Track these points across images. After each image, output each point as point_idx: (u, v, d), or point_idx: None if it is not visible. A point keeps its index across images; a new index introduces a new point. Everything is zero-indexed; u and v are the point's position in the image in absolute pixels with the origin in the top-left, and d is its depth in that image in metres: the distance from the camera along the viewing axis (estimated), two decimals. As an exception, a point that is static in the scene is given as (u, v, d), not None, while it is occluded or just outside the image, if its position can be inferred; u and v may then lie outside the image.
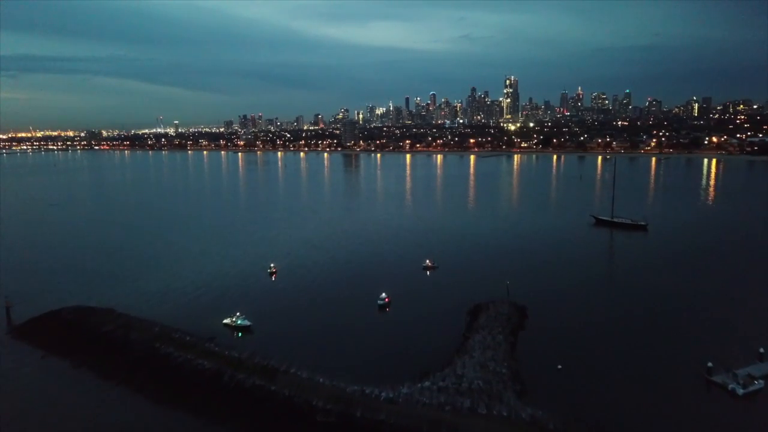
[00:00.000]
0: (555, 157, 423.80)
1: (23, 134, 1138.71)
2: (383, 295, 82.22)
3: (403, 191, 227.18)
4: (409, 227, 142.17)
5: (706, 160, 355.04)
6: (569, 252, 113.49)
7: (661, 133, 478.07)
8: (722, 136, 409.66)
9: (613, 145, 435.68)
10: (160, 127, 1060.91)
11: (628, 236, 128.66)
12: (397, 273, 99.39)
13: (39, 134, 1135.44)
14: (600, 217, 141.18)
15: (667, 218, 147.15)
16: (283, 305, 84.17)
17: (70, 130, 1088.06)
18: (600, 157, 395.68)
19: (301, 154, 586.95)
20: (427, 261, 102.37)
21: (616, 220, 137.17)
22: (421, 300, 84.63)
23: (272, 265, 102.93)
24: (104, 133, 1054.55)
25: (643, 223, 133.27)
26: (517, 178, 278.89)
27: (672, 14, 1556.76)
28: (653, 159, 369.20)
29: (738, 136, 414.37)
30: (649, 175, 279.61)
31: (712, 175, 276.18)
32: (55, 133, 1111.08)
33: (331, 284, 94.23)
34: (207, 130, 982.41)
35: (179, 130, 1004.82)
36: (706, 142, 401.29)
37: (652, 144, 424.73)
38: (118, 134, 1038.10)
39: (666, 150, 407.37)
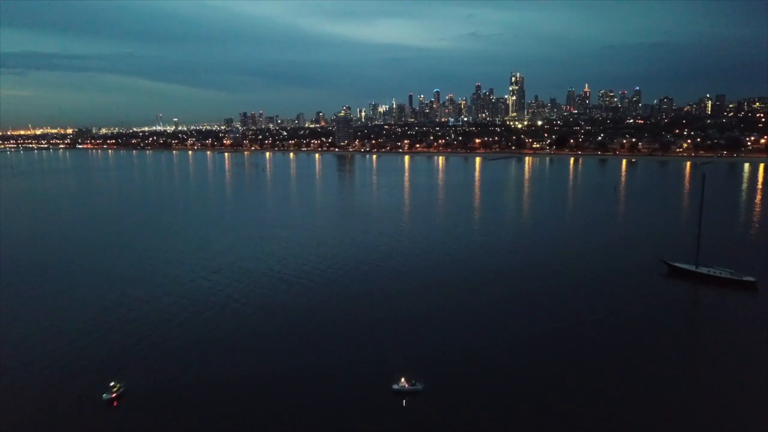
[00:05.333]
0: (572, 160, 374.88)
1: (22, 132, 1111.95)
2: None
3: (391, 211, 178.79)
4: (387, 281, 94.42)
5: (747, 165, 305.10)
6: (645, 342, 66.08)
7: (685, 133, 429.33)
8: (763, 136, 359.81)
9: (639, 147, 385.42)
10: (159, 125, 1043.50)
11: (729, 300, 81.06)
12: (342, 407, 52.35)
13: (38, 132, 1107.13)
14: (676, 265, 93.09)
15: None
16: None
17: (70, 128, 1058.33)
18: (624, 161, 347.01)
19: (291, 155, 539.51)
20: (403, 380, 55.12)
21: (703, 271, 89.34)
22: None
23: (114, 384, 55.94)
24: (103, 131, 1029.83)
25: (750, 279, 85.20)
26: (534, 189, 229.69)
27: (681, 12, 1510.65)
28: (688, 164, 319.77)
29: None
30: (696, 185, 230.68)
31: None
32: (54, 131, 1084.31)
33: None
34: (208, 127, 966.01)
35: (178, 128, 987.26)
36: (749, 144, 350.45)
37: (685, 146, 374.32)
38: (117, 132, 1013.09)
39: (699, 153, 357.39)
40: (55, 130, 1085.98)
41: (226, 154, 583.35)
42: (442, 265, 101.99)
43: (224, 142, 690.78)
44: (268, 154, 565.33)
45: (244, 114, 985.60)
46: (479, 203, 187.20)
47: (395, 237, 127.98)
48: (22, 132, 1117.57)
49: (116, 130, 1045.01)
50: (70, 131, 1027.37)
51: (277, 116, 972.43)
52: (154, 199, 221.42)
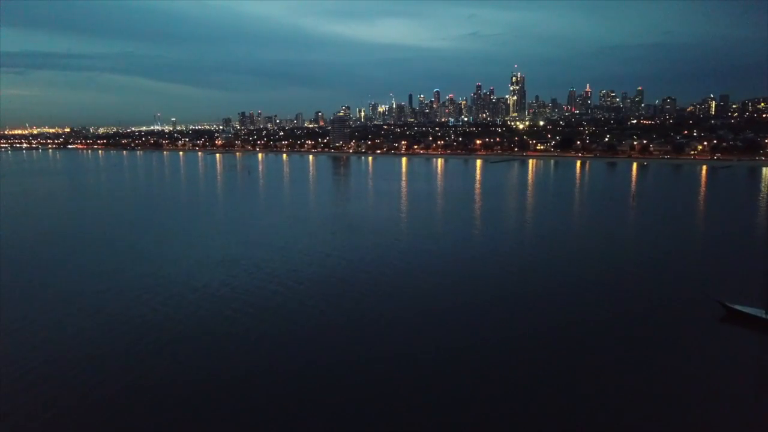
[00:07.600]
0: (578, 163, 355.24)
1: (18, 131, 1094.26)
2: None
3: (386, 223, 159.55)
4: (370, 340, 74.73)
5: (765, 170, 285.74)
6: (705, 418, 46.42)
7: (694, 134, 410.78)
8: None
9: (650, 149, 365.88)
10: (157, 125, 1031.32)
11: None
12: None
13: (35, 131, 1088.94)
14: (737, 308, 73.11)
15: None
16: None
17: (68, 127, 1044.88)
18: (635, 164, 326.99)
19: (284, 156, 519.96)
20: None
21: (776, 318, 69.69)
22: None
23: None
24: (102, 130, 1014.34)
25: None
26: (542, 199, 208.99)
27: (682, 12, 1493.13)
28: (704, 167, 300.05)
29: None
30: (727, 192, 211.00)
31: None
32: (52, 130, 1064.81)
33: None
34: (207, 127, 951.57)
35: (177, 127, 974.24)
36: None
37: (699, 147, 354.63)
38: (114, 131, 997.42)
39: (717, 155, 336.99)
40: (53, 130, 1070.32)
41: (217, 155, 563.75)
42: (442, 323, 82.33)
43: (216, 142, 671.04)
44: (260, 155, 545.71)
45: (243, 114, 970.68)
46: (481, 218, 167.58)
47: (390, 258, 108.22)
48: (19, 131, 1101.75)
49: (114, 129, 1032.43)
50: (68, 131, 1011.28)
51: (275, 116, 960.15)
52: (121, 207, 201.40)
